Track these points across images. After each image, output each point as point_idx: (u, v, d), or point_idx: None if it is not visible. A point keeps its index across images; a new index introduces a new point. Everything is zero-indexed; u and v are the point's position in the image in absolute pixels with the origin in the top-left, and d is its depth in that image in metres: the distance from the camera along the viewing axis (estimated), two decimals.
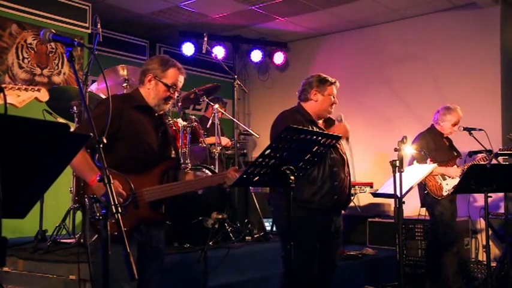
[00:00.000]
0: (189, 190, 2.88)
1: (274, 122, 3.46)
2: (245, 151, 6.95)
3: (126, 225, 2.01)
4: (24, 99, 1.95)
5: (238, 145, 5.63)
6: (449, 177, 4.94)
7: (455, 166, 5.03)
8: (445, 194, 4.95)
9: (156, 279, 2.85)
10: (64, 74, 5.87)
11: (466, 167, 4.92)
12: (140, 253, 2.67)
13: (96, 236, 2.64)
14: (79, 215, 4.34)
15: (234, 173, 2.79)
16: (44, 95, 2.00)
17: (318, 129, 3.36)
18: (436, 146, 5.02)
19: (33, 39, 5.61)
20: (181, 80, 2.89)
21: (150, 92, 2.84)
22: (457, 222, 5.20)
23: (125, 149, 2.70)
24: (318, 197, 3.35)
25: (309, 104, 3.49)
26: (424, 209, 5.18)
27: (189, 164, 4.35)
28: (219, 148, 5.10)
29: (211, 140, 5.27)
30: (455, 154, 5.12)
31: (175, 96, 2.90)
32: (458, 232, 5.32)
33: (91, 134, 1.81)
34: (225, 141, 5.79)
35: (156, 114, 2.89)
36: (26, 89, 1.97)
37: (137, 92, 2.88)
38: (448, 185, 4.95)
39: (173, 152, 3.07)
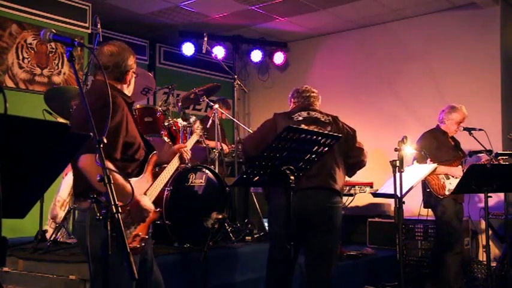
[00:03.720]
0: (170, 175, 2.93)
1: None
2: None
3: (144, 233, 2.48)
4: None
5: (238, 152, 5.51)
6: (453, 176, 4.95)
7: (459, 166, 5.02)
8: (447, 193, 4.94)
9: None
10: (64, 74, 5.86)
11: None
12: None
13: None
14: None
15: (181, 149, 2.98)
16: None
17: None
18: (439, 144, 5.01)
19: (33, 39, 5.60)
20: None
21: (131, 87, 2.72)
22: (461, 223, 5.18)
23: (131, 152, 2.57)
24: None
25: None
26: (425, 209, 5.18)
27: (189, 164, 4.34)
28: (219, 150, 5.09)
29: (211, 144, 5.24)
30: (461, 154, 5.11)
31: None
32: (462, 232, 5.30)
33: (90, 134, 1.80)
34: (223, 147, 5.75)
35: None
36: None
37: (116, 88, 2.61)
38: (451, 184, 4.93)
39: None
